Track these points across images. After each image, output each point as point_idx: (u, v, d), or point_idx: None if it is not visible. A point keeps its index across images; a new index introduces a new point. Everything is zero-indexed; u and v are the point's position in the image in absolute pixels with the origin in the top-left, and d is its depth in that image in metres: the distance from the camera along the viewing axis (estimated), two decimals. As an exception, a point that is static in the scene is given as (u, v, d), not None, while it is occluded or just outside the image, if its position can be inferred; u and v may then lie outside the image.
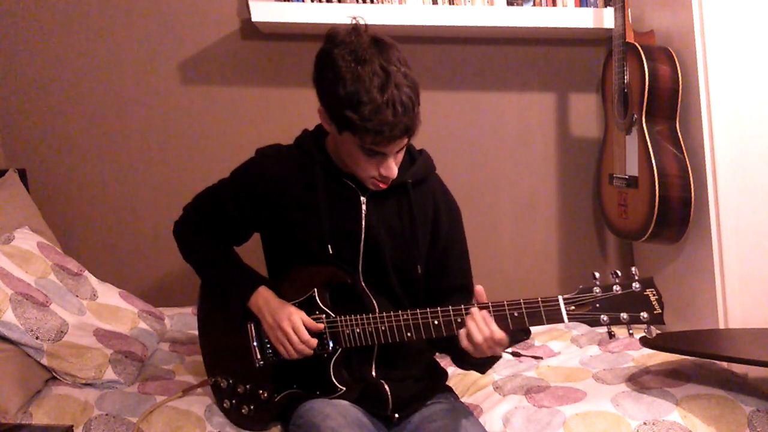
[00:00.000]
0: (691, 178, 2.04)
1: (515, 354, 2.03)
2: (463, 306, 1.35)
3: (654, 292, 1.30)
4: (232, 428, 1.55)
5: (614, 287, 1.31)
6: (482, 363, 1.47)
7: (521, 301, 1.32)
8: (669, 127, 2.09)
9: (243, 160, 1.58)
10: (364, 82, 1.30)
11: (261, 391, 1.53)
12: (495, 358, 1.46)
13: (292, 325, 1.44)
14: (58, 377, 1.68)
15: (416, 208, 1.51)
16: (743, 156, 2.01)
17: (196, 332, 1.68)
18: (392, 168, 1.41)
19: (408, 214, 1.51)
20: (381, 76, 1.30)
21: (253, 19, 2.19)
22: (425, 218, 1.53)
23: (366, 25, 1.37)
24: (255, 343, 1.53)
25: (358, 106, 1.30)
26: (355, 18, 1.38)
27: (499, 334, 1.31)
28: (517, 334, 1.48)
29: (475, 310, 1.33)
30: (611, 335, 1.33)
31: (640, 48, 2.07)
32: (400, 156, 1.44)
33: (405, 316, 1.40)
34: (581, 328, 2.20)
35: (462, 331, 1.34)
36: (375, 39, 1.35)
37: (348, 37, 1.34)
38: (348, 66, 1.31)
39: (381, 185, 1.44)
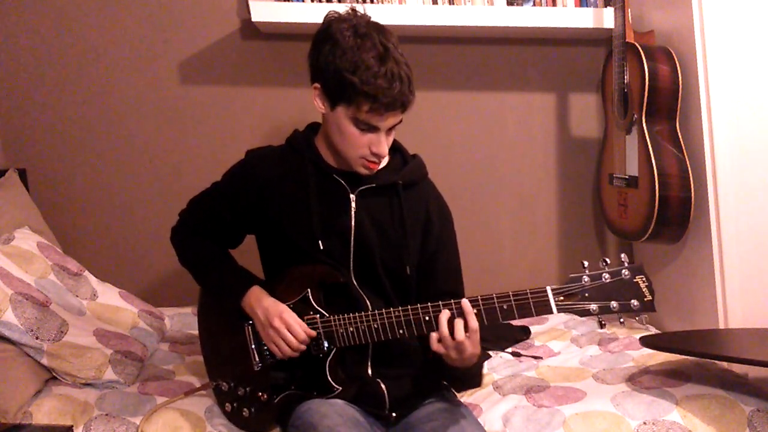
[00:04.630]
0: (691, 178, 2.04)
1: (515, 354, 2.03)
2: (452, 301, 1.35)
3: (644, 279, 1.28)
4: (233, 429, 1.55)
5: (603, 275, 1.28)
6: (456, 375, 1.44)
7: (510, 293, 1.32)
8: (669, 127, 2.08)
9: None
10: (363, 52, 1.33)
11: (260, 393, 1.52)
12: (469, 377, 1.46)
13: (284, 323, 1.43)
14: (58, 377, 1.68)
15: (406, 210, 1.51)
16: (743, 156, 2.00)
17: (196, 332, 1.68)
18: (383, 145, 1.41)
19: (398, 214, 1.51)
20: (380, 49, 1.34)
21: (253, 19, 2.19)
22: (416, 221, 1.53)
23: (365, 9, 1.42)
24: (253, 346, 1.53)
25: (356, 70, 1.33)
26: (353, 5, 1.43)
27: (460, 336, 1.30)
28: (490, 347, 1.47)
29: (464, 301, 1.33)
30: (602, 325, 1.32)
31: (640, 48, 2.07)
32: (392, 137, 1.45)
33: (396, 313, 1.39)
34: (581, 328, 2.20)
35: (433, 334, 1.34)
36: (373, 21, 1.40)
37: (347, 15, 1.39)
38: (347, 39, 1.35)
39: (372, 166, 1.44)
